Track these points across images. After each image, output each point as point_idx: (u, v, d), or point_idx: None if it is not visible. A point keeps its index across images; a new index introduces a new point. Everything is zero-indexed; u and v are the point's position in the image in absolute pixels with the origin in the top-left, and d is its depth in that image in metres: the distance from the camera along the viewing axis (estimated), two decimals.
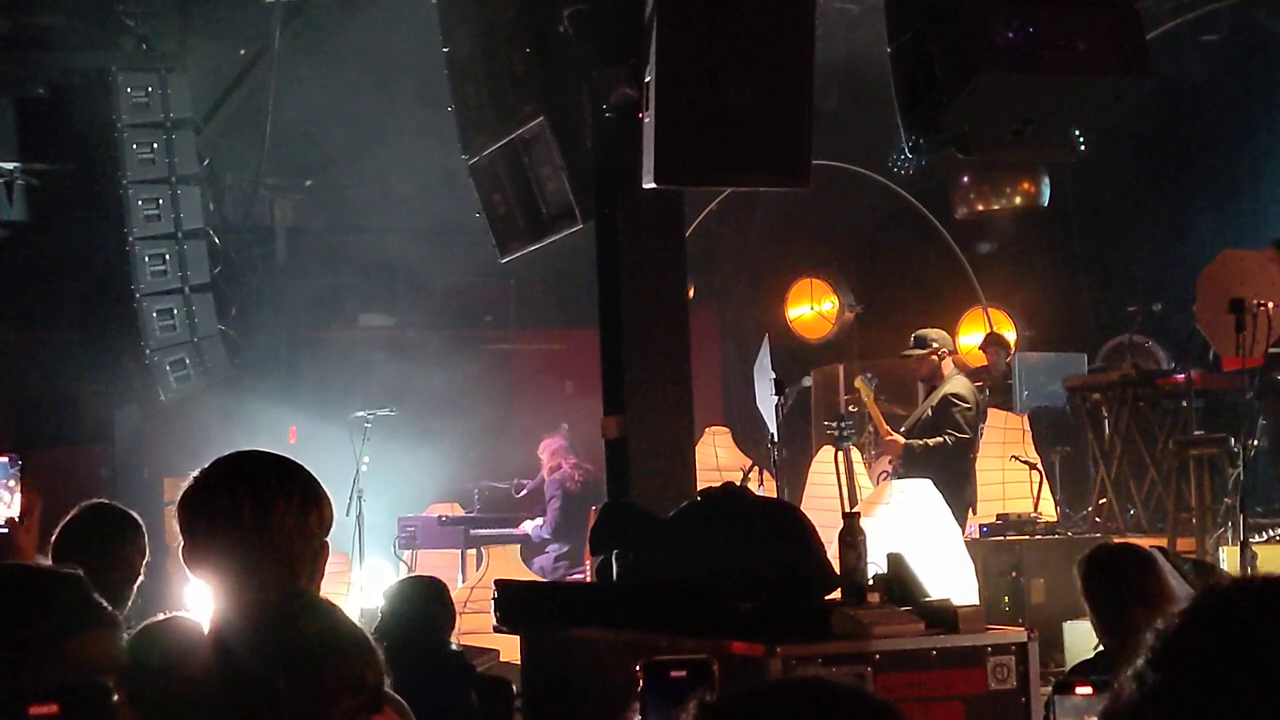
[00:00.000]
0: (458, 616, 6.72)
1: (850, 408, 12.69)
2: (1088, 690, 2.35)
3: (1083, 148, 7.62)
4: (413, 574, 10.59)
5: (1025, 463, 11.75)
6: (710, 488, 6.51)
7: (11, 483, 3.65)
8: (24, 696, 2.32)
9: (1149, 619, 4.88)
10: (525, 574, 11.63)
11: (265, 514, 2.79)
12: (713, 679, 2.02)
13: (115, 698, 2.37)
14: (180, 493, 2.86)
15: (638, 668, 2.03)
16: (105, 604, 2.84)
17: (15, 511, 3.64)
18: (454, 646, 6.52)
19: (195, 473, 2.86)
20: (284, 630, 2.43)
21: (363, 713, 2.42)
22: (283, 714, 2.36)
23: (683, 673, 2.03)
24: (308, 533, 2.83)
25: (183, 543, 2.84)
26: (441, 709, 5.47)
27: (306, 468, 2.91)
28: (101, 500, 5.08)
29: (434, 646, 6.10)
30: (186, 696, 2.63)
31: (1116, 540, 5.47)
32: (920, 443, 10.30)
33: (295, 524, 2.81)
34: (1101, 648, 4.93)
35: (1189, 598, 1.38)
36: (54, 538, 4.67)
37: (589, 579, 8.04)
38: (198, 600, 3.26)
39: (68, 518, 4.78)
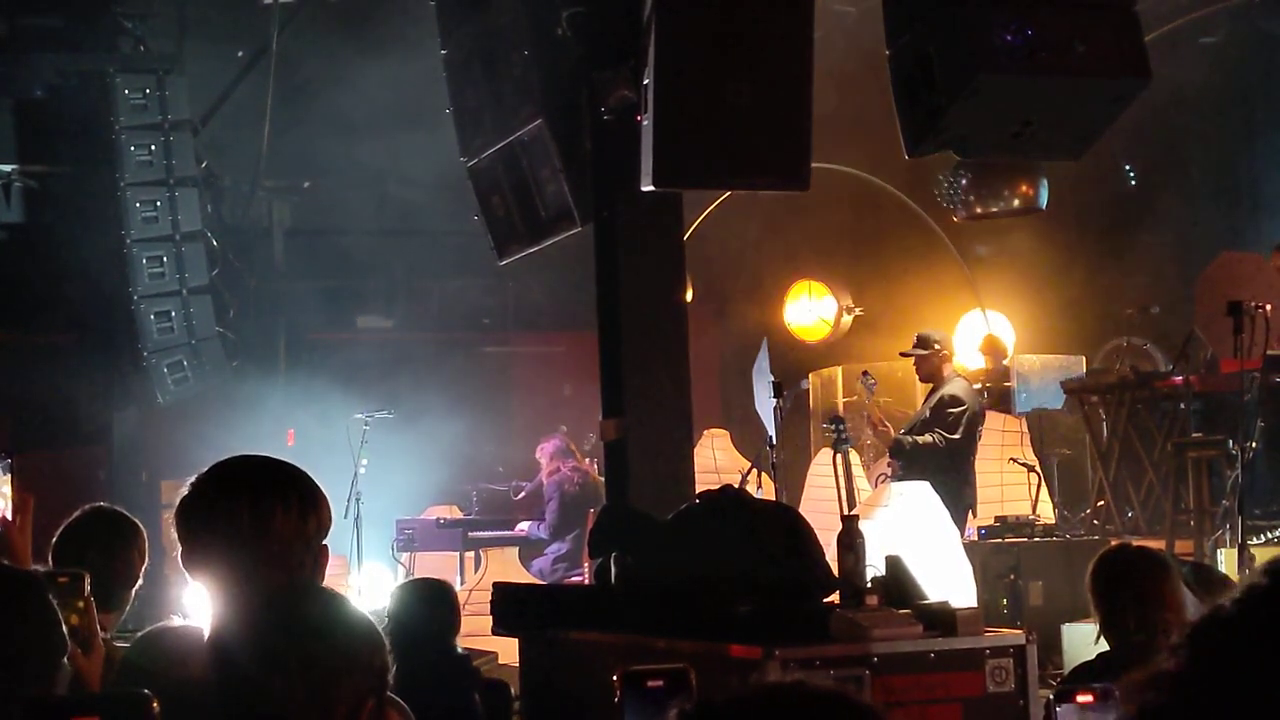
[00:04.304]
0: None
1: (858, 396, 12.67)
2: (1088, 697, 2.34)
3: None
4: (417, 576, 10.56)
5: (1023, 465, 11.74)
6: (709, 490, 6.51)
7: (4, 488, 3.61)
8: (65, 706, 2.31)
9: (1152, 624, 4.82)
10: (524, 576, 11.63)
11: (263, 520, 2.78)
12: (690, 688, 2.01)
13: (155, 705, 2.36)
14: (177, 499, 2.86)
15: (614, 677, 2.02)
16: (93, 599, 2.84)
17: (7, 510, 3.61)
18: (459, 650, 6.50)
19: (192, 479, 2.85)
20: (283, 614, 2.40)
21: (370, 695, 2.37)
22: (283, 702, 2.32)
23: (660, 682, 2.02)
24: (306, 537, 2.82)
25: (181, 549, 2.84)
26: (447, 712, 5.46)
27: (304, 471, 2.90)
28: (101, 504, 5.07)
29: (440, 649, 6.08)
30: (187, 698, 2.62)
31: (1136, 543, 5.46)
32: (910, 439, 10.38)
33: (294, 529, 2.80)
34: (1102, 650, 4.92)
35: (1193, 604, 1.36)
36: (54, 540, 4.66)
37: (588, 581, 8.04)
38: (197, 603, 3.26)
39: (68, 521, 4.77)
